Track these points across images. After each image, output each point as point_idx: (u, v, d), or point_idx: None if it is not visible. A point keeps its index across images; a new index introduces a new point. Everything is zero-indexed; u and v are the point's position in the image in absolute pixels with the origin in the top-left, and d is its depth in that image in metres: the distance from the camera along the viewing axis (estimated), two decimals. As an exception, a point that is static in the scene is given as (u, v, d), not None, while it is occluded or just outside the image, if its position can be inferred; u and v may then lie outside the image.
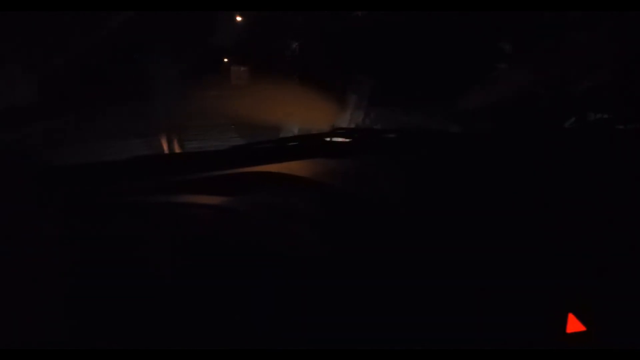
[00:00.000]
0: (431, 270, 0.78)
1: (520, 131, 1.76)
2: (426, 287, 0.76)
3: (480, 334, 0.75)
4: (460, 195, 1.06)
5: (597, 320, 0.80)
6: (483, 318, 0.75)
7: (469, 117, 2.39)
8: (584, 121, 2.11)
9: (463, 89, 2.39)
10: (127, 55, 3.46)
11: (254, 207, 0.88)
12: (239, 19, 3.63)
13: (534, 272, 0.84)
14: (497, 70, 2.48)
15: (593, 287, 0.85)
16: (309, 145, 1.39)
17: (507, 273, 0.83)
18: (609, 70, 2.17)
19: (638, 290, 0.85)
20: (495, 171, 1.21)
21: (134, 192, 0.94)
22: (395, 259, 0.79)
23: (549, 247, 0.89)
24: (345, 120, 3.28)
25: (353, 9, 3.20)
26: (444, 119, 2.52)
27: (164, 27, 3.54)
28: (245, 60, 3.67)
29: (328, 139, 1.42)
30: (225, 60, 3.72)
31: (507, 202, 1.04)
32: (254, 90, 3.59)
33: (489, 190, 1.10)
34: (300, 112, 3.20)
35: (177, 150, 2.86)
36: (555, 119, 2.26)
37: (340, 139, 1.43)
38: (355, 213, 0.91)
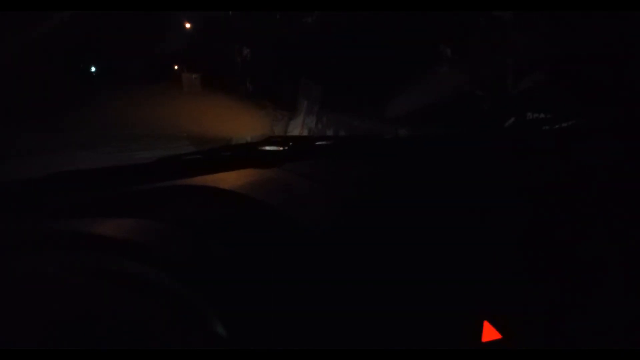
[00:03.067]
0: (347, 295, 0.76)
1: (464, 133, 1.77)
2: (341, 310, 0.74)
3: (391, 343, 0.74)
4: (393, 207, 1.03)
5: (513, 327, 0.80)
6: (392, 328, 0.75)
7: (416, 119, 2.43)
8: (523, 121, 2.17)
9: (408, 92, 2.42)
10: (71, 63, 3.36)
11: (163, 223, 0.85)
12: (188, 25, 3.58)
13: (448, 279, 0.84)
14: (439, 74, 2.53)
15: (508, 294, 0.85)
16: (241, 155, 1.36)
17: (421, 280, 0.83)
18: (544, 70, 2.23)
19: (552, 296, 0.86)
20: (427, 178, 1.20)
21: (33, 215, 0.89)
22: (310, 280, 0.77)
23: (465, 252, 0.89)
24: (297, 125, 3.27)
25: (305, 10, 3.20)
26: (391, 122, 2.55)
27: (110, 34, 3.45)
28: (196, 67, 3.62)
29: (261, 148, 1.39)
30: (176, 67, 3.67)
31: (439, 209, 1.03)
32: (205, 97, 3.53)
33: (424, 198, 1.08)
34: (252, 119, 3.18)
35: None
36: (495, 119, 2.32)
37: (274, 148, 1.40)
38: (271, 230, 0.89)
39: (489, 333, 0.81)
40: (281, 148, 1.42)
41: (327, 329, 0.73)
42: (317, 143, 1.48)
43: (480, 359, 0.79)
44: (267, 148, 1.41)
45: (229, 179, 1.13)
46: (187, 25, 3.67)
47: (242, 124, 3.22)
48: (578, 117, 1.70)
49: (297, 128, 3.21)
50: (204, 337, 0.66)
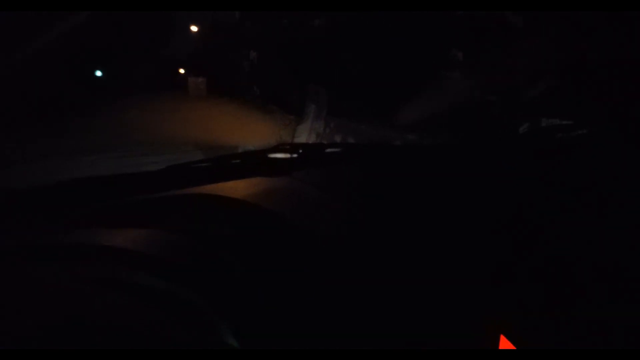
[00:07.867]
0: (355, 304, 0.75)
1: (475, 140, 1.75)
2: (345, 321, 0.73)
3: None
4: (402, 214, 1.02)
5: (527, 340, 0.78)
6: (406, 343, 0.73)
7: (425, 125, 2.40)
8: (537, 126, 2.15)
9: (417, 97, 2.40)
10: (78, 68, 3.36)
11: (173, 233, 0.83)
12: (194, 29, 3.55)
13: (458, 286, 0.82)
14: (450, 79, 2.51)
15: (523, 306, 0.83)
16: (250, 163, 1.34)
17: (431, 287, 0.81)
18: (556, 75, 2.21)
19: (561, 303, 0.84)
20: (437, 186, 1.18)
21: (33, 226, 0.87)
22: (320, 289, 0.76)
23: (476, 259, 0.87)
24: (305, 130, 3.25)
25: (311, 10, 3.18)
26: (400, 128, 2.53)
27: (118, 38, 3.46)
28: (202, 71, 3.60)
29: (271, 156, 1.37)
30: (182, 71, 3.64)
31: (448, 216, 1.01)
32: (212, 102, 3.52)
33: (433, 205, 1.06)
34: (259, 124, 3.16)
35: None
36: (508, 124, 2.30)
37: (283, 156, 1.38)
38: (281, 239, 0.87)
39: (505, 346, 0.79)
40: (290, 156, 1.40)
41: (338, 336, 0.72)
42: (326, 151, 1.46)
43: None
44: (277, 156, 1.39)
45: (239, 188, 1.11)
46: (194, 29, 3.66)
47: (249, 129, 3.21)
48: (592, 123, 1.67)
49: (304, 133, 3.20)
50: (213, 345, 0.65)
